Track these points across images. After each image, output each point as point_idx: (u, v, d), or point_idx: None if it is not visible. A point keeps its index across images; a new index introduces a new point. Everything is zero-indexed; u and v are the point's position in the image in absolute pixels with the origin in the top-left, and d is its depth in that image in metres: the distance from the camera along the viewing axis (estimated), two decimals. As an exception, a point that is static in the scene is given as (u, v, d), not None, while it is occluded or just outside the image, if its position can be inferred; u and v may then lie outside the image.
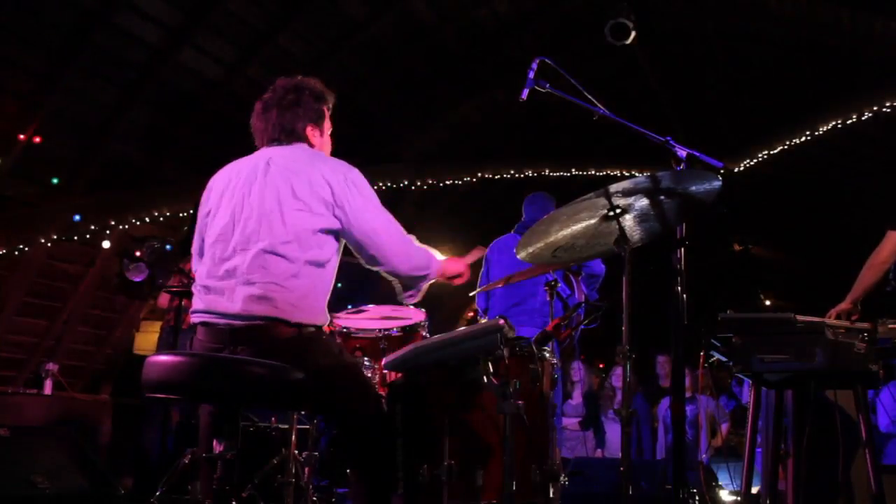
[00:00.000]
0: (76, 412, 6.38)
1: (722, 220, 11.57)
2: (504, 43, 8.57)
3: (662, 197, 2.47)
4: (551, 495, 2.67)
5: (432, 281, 2.69)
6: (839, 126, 7.75)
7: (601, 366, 10.76)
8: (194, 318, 2.49)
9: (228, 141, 7.73)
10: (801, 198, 12.20)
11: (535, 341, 2.79)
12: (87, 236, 7.45)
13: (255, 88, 7.54)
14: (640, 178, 2.40)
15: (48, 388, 6.53)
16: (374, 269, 2.60)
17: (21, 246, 7.05)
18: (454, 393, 2.62)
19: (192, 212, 7.34)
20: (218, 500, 2.45)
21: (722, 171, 2.66)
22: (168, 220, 7.84)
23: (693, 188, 2.48)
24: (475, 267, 4.80)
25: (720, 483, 5.33)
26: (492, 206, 10.66)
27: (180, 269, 5.58)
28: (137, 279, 8.24)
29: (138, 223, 7.63)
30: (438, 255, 2.73)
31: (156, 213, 7.63)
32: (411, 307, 3.51)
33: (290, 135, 2.62)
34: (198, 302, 2.48)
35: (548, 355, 2.86)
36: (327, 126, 2.74)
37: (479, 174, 9.19)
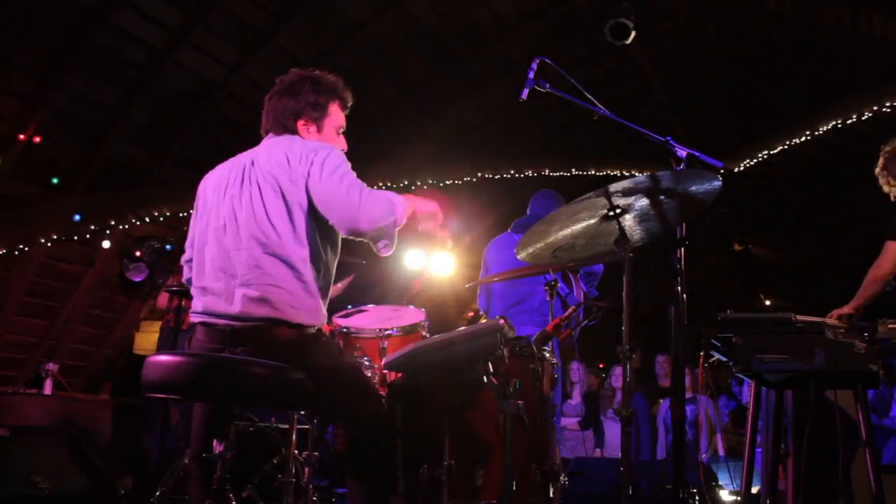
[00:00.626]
0: (76, 412, 6.39)
1: (722, 220, 11.58)
2: (504, 43, 8.57)
3: (662, 197, 2.47)
4: (551, 495, 2.67)
5: (402, 225, 2.49)
6: (839, 126, 7.74)
7: (601, 366, 10.76)
8: (194, 319, 2.49)
9: (228, 141, 7.79)
10: (801, 198, 12.20)
11: (535, 341, 2.79)
12: (87, 236, 7.45)
13: (255, 88, 7.64)
14: (640, 177, 2.40)
15: (48, 388, 6.54)
16: (347, 236, 2.46)
17: (21, 246, 7.05)
18: (454, 393, 2.62)
19: (191, 212, 7.37)
20: (218, 500, 2.45)
21: (722, 171, 2.66)
22: (168, 220, 7.84)
23: (693, 188, 2.48)
24: (475, 267, 4.81)
25: (720, 483, 5.33)
26: (491, 205, 10.67)
27: (180, 269, 5.58)
28: (137, 279, 8.27)
29: (138, 223, 7.63)
30: (401, 200, 2.50)
31: (156, 213, 7.63)
32: (411, 307, 3.51)
33: (281, 128, 2.59)
34: (196, 303, 2.48)
35: (548, 355, 2.87)
36: (330, 122, 2.64)
37: (479, 174, 9.18)
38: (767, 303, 15.52)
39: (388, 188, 8.58)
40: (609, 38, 6.31)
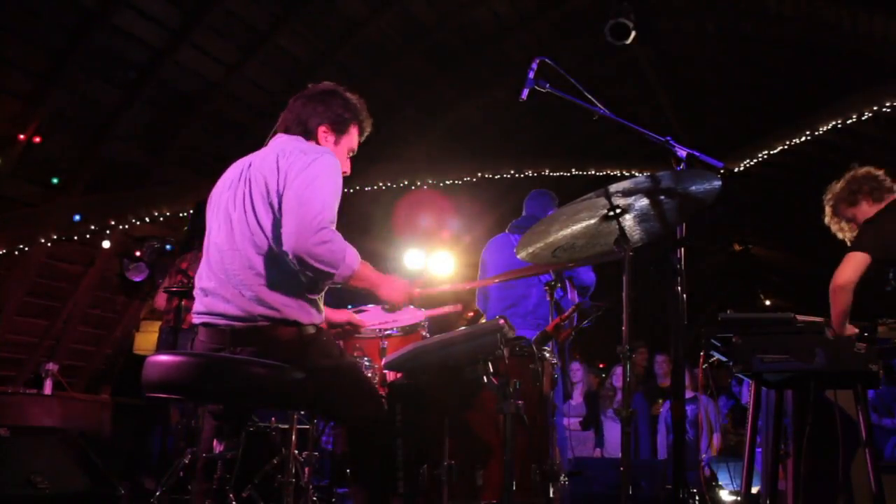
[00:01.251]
0: (76, 412, 6.39)
1: (722, 220, 11.58)
2: (504, 43, 8.57)
3: (662, 197, 2.47)
4: (551, 495, 2.67)
5: (337, 284, 2.35)
6: (839, 126, 7.73)
7: (601, 366, 10.76)
8: (195, 319, 2.50)
9: (228, 141, 7.80)
10: (802, 198, 12.18)
11: (536, 341, 2.79)
12: (87, 236, 7.46)
13: (255, 88, 7.64)
14: (640, 178, 2.40)
15: (48, 388, 6.54)
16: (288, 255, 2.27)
17: (21, 246, 7.06)
18: (454, 393, 2.62)
19: (191, 212, 7.37)
20: (218, 500, 2.45)
21: (722, 171, 2.66)
22: (168, 220, 7.85)
23: (693, 188, 2.48)
24: (474, 267, 4.81)
25: (720, 483, 5.33)
26: (491, 205, 10.67)
27: (180, 269, 5.58)
28: (137, 279, 8.27)
29: (138, 223, 7.64)
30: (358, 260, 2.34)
31: (156, 213, 7.63)
32: (411, 307, 3.50)
33: (301, 127, 2.58)
34: (198, 303, 2.49)
35: (548, 355, 2.87)
36: (347, 140, 2.65)
37: (479, 174, 9.18)
38: (767, 303, 15.51)
39: (388, 188, 8.59)
40: (609, 38, 6.31)
